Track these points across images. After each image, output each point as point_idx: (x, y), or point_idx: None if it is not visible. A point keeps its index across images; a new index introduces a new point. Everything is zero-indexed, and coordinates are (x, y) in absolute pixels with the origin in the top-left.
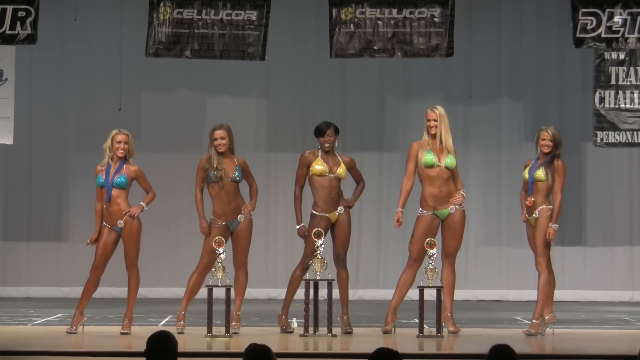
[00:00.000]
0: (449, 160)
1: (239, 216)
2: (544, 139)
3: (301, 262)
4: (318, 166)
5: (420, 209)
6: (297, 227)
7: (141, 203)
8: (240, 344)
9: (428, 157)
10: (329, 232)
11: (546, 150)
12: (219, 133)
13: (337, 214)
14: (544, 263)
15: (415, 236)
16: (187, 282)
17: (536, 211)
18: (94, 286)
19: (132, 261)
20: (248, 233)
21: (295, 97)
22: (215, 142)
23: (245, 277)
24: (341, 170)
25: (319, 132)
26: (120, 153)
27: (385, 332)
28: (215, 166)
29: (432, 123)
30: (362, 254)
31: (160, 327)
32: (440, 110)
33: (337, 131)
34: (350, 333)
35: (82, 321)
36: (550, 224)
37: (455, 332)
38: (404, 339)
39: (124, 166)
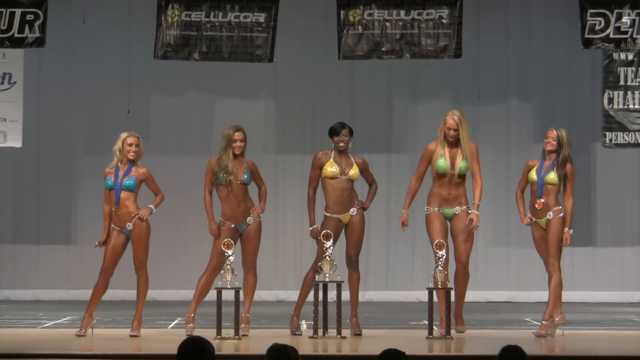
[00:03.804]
0: (463, 165)
1: (248, 218)
2: (547, 137)
3: (314, 264)
4: (330, 168)
5: (427, 206)
6: (310, 228)
7: (150, 205)
8: (249, 346)
9: (441, 164)
10: (342, 234)
11: (549, 148)
12: (239, 135)
13: (350, 214)
14: (557, 264)
15: (431, 233)
16: (197, 284)
17: (550, 212)
18: (103, 289)
19: (141, 263)
20: (257, 235)
21: (303, 99)
22: (234, 144)
23: (254, 279)
24: (353, 172)
25: (334, 131)
26: (131, 155)
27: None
28: (226, 169)
29: (452, 132)
30: (371, 255)
31: (168, 329)
32: (459, 115)
33: (351, 132)
34: (360, 335)
35: (92, 324)
36: (565, 229)
37: (461, 331)
38: (413, 341)
39: (133, 168)
